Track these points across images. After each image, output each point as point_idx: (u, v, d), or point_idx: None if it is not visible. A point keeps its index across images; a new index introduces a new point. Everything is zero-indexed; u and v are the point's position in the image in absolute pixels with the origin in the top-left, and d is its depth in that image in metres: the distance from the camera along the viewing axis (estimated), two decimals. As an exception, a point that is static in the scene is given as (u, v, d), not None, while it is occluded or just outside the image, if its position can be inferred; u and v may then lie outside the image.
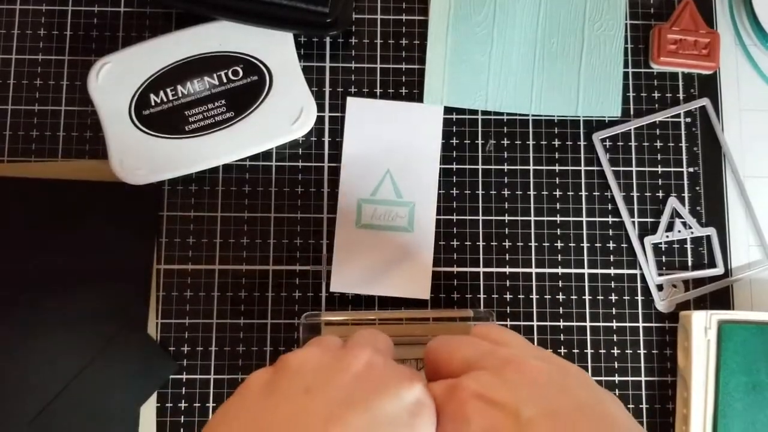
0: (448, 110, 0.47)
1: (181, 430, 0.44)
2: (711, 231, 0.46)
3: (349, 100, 0.47)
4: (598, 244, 0.46)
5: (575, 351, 0.45)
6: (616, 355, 0.45)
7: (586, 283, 0.46)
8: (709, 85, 0.48)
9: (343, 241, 0.45)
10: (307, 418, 0.25)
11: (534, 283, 0.46)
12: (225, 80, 0.45)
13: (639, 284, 0.46)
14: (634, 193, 0.47)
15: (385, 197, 0.46)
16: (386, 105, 0.47)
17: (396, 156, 0.46)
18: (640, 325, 0.46)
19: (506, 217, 0.46)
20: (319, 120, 0.47)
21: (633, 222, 0.47)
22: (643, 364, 0.45)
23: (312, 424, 0.25)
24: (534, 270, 0.46)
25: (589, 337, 0.45)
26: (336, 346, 0.30)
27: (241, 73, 0.45)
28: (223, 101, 0.45)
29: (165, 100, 0.45)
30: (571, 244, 0.46)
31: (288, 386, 0.27)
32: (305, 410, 0.25)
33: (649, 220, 0.47)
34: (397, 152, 0.46)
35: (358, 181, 0.46)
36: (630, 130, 0.48)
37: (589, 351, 0.45)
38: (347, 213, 0.46)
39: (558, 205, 0.47)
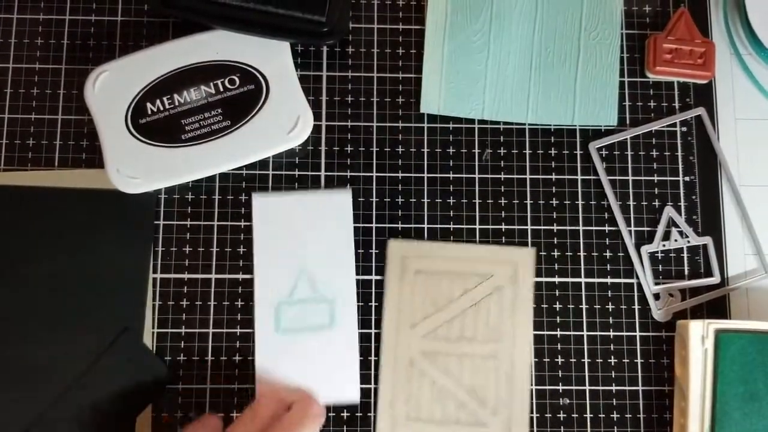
0: (445, 119, 0.48)
1: (177, 440, 0.44)
2: (707, 240, 0.46)
3: (254, 197, 0.45)
4: (594, 253, 0.46)
5: (572, 360, 0.45)
6: (613, 364, 0.45)
7: (583, 292, 0.46)
8: (704, 94, 0.48)
9: (265, 351, 0.44)
10: None
11: (531, 293, 0.46)
12: (222, 89, 0.45)
13: (636, 293, 0.46)
14: (631, 202, 0.47)
15: (303, 296, 0.44)
16: (291, 198, 0.45)
17: (309, 251, 0.44)
18: (637, 334, 0.46)
19: (503, 226, 0.46)
20: (316, 129, 0.47)
21: (629, 231, 0.47)
22: (640, 374, 0.45)
23: None
24: (531, 279, 0.46)
25: (586, 347, 0.45)
26: None
27: (237, 82, 0.45)
28: (220, 110, 0.45)
29: (162, 108, 0.45)
30: (568, 253, 0.46)
31: None
32: None
33: (645, 229, 0.47)
34: (309, 247, 0.44)
35: (273, 285, 0.44)
36: (626, 139, 0.48)
37: (586, 360, 0.45)
38: (266, 320, 0.44)
39: (555, 214, 0.47)
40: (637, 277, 0.46)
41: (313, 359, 0.44)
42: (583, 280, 0.46)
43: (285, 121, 0.45)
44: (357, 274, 0.45)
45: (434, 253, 0.45)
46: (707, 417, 0.42)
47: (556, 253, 0.46)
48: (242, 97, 0.45)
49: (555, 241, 0.46)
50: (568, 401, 0.45)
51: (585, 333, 0.45)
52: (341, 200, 0.45)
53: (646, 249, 0.46)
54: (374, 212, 0.46)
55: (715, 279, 0.46)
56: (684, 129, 0.48)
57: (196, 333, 0.45)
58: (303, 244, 0.45)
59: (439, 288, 0.45)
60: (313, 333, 0.44)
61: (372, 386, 0.44)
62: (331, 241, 0.45)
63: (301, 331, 0.44)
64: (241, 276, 0.45)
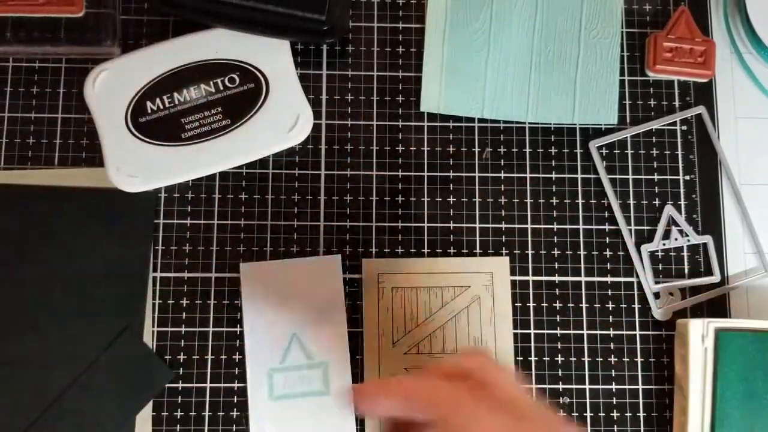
0: (445, 118, 0.48)
1: (177, 439, 0.44)
2: (707, 239, 0.46)
3: (242, 267, 0.44)
4: (594, 252, 0.46)
5: (572, 359, 0.45)
6: (613, 363, 0.45)
7: (583, 291, 0.46)
8: (704, 93, 0.48)
9: (259, 417, 0.43)
10: None
11: (531, 292, 0.46)
12: (222, 88, 0.45)
13: (636, 292, 0.46)
14: (631, 201, 0.47)
15: (295, 362, 0.44)
16: (280, 265, 0.45)
17: (300, 316, 0.44)
18: (637, 333, 0.46)
19: (503, 225, 0.46)
20: (316, 127, 0.47)
21: (629, 230, 0.47)
22: (640, 373, 0.45)
23: None
24: (531, 278, 0.46)
25: (586, 346, 0.45)
26: None
27: (237, 81, 0.45)
28: (220, 109, 0.45)
29: (161, 107, 0.45)
30: (568, 252, 0.46)
31: None
32: None
33: (645, 228, 0.47)
34: (300, 312, 0.44)
35: (264, 351, 0.44)
36: (626, 137, 0.48)
37: (586, 359, 0.45)
38: (259, 386, 0.43)
39: (555, 213, 0.47)
40: (637, 276, 0.46)
41: (308, 425, 0.43)
42: (583, 279, 0.46)
43: (285, 119, 0.45)
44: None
45: (409, 268, 0.45)
46: (707, 415, 0.42)
47: (556, 252, 0.46)
48: (242, 95, 0.45)
49: (555, 239, 0.46)
50: (568, 400, 0.45)
51: (585, 332, 0.45)
52: (330, 266, 0.45)
53: (646, 248, 0.46)
54: (374, 212, 0.46)
55: (715, 278, 0.46)
56: (684, 128, 0.48)
57: (196, 332, 0.45)
58: (293, 310, 0.44)
59: (418, 302, 0.45)
60: (307, 399, 0.43)
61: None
62: (323, 306, 0.44)
63: (295, 398, 0.43)
64: (241, 275, 0.45)
